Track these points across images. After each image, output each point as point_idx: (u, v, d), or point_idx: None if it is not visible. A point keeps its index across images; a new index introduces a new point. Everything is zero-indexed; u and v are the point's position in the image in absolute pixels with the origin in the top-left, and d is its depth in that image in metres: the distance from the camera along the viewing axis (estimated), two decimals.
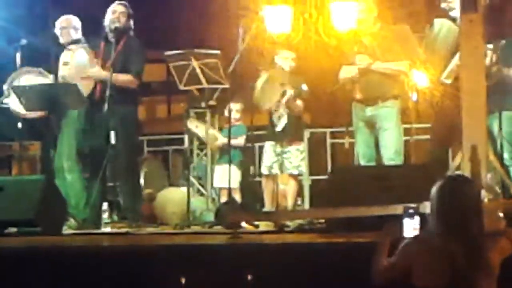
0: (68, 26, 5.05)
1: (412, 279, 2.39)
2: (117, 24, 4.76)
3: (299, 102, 5.16)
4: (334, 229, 4.18)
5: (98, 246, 4.36)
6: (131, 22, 4.91)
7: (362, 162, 4.97)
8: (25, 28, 5.85)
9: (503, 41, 4.72)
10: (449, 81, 4.63)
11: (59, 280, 3.61)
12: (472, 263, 2.29)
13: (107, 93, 4.68)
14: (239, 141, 5.54)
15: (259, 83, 5.02)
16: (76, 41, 4.97)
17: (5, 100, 5.12)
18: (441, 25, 4.72)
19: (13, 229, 4.72)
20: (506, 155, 4.73)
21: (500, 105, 4.57)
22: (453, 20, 4.58)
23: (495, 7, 4.73)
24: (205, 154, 5.99)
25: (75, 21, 5.06)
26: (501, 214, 3.35)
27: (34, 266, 3.78)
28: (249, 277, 3.27)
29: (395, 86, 4.93)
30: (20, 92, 4.90)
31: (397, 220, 2.64)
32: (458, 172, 4.01)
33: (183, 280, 3.39)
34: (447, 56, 4.75)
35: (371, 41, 4.95)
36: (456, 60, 4.53)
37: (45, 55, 5.44)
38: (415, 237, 2.49)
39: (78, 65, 4.93)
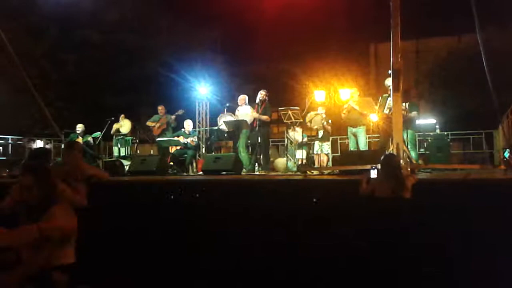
0: (243, 99, 9.09)
1: (375, 193, 4.27)
2: (260, 98, 8.90)
3: (328, 126, 9.38)
4: (343, 174, 6.51)
5: (253, 179, 6.95)
6: (267, 97, 8.87)
7: (351, 149, 8.62)
8: (226, 98, 10.06)
9: (408, 103, 7.64)
10: (387, 112, 7.53)
11: (245, 192, 5.47)
12: (399, 185, 4.08)
13: (258, 123, 8.76)
14: (305, 140, 9.69)
15: (313, 119, 9.30)
16: (245, 104, 9.05)
17: (220, 126, 9.39)
18: (383, 96, 7.97)
19: (224, 173, 7.73)
20: (409, 147, 7.30)
21: (406, 127, 7.23)
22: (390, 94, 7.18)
23: (405, 90, 7.05)
24: (292, 145, 9.98)
25: (246, 98, 9.07)
26: (409, 169, 5.65)
27: (234, 191, 5.61)
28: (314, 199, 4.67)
29: (363, 120, 8.48)
30: (225, 122, 9.15)
31: (368, 171, 4.58)
32: (390, 152, 5.79)
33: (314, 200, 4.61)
34: (384, 104, 7.69)
35: (356, 102, 8.40)
36: (389, 103, 7.32)
37: (233, 109, 9.43)
38: (375, 178, 4.36)
39: (245, 112, 8.97)
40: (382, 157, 4.48)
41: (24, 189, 2.87)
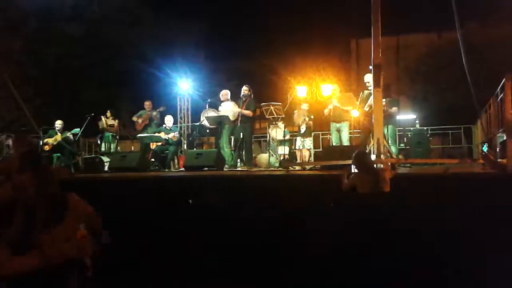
0: (225, 95, 9.00)
1: (356, 188, 4.28)
2: (244, 94, 8.80)
3: (310, 121, 9.37)
4: (324, 169, 6.63)
5: (236, 174, 6.99)
6: (251, 92, 8.79)
7: (334, 144, 8.58)
8: (208, 94, 9.98)
9: (388, 98, 7.62)
10: (367, 109, 7.55)
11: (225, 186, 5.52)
12: (377, 179, 4.23)
13: (241, 118, 8.67)
14: (287, 137, 9.62)
15: (296, 115, 9.24)
16: (227, 99, 8.93)
17: (202, 122, 9.28)
18: (364, 92, 8.01)
19: (206, 169, 7.70)
20: (389, 142, 7.45)
21: (386, 123, 7.27)
22: (370, 89, 7.43)
23: (386, 85, 7.27)
24: (274, 140, 9.97)
25: (228, 93, 8.99)
26: (389, 164, 5.72)
27: (215, 185, 5.67)
28: None
29: (346, 115, 8.44)
30: (207, 118, 9.06)
31: (349, 166, 4.87)
32: (362, 149, 5.89)
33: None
34: (365, 101, 7.69)
35: (338, 98, 8.37)
36: (370, 101, 7.26)
37: (215, 104, 9.31)
38: (355, 173, 4.46)
39: (227, 108, 8.85)
40: (353, 156, 4.47)
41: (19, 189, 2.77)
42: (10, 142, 12.67)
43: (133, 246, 4.98)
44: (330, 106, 8.44)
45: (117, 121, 10.99)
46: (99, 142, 11.03)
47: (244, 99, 8.89)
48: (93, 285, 2.99)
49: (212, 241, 4.83)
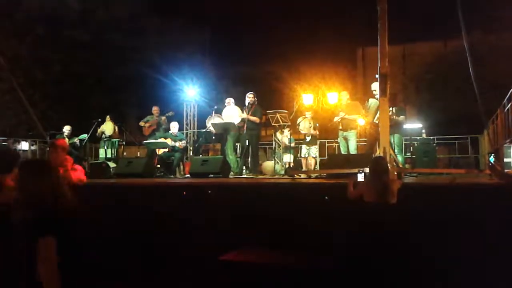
0: (228, 103, 9.04)
1: (363, 198, 4.16)
2: (250, 101, 8.83)
3: (316, 131, 9.30)
4: (330, 178, 6.50)
5: (241, 182, 6.95)
6: (255, 100, 8.80)
7: (342, 152, 8.56)
8: (214, 101, 10.00)
9: (395, 107, 7.55)
10: (377, 122, 7.44)
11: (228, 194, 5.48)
12: (385, 190, 3.99)
13: (247, 125, 8.68)
14: (292, 144, 9.59)
15: (301, 123, 9.24)
16: (231, 105, 8.99)
17: (209, 128, 9.31)
18: (371, 101, 7.99)
19: (211, 175, 7.66)
20: (396, 151, 7.46)
21: (393, 132, 7.25)
22: (376, 98, 7.53)
23: (392, 94, 7.02)
24: (280, 148, 9.92)
25: (232, 101, 9.02)
26: (395, 173, 5.60)
27: (218, 192, 5.55)
28: None
29: (353, 124, 8.40)
30: (213, 124, 9.09)
31: (355, 174, 4.60)
32: (380, 155, 5.77)
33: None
34: (374, 112, 7.71)
35: (344, 107, 8.41)
36: (379, 113, 6.89)
37: (221, 111, 9.32)
38: (363, 181, 4.35)
39: (229, 114, 8.90)
40: (372, 160, 4.46)
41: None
42: (16, 146, 12.81)
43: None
44: (339, 118, 8.42)
45: (115, 126, 10.79)
46: (101, 147, 10.96)
47: (250, 106, 8.91)
48: None
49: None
